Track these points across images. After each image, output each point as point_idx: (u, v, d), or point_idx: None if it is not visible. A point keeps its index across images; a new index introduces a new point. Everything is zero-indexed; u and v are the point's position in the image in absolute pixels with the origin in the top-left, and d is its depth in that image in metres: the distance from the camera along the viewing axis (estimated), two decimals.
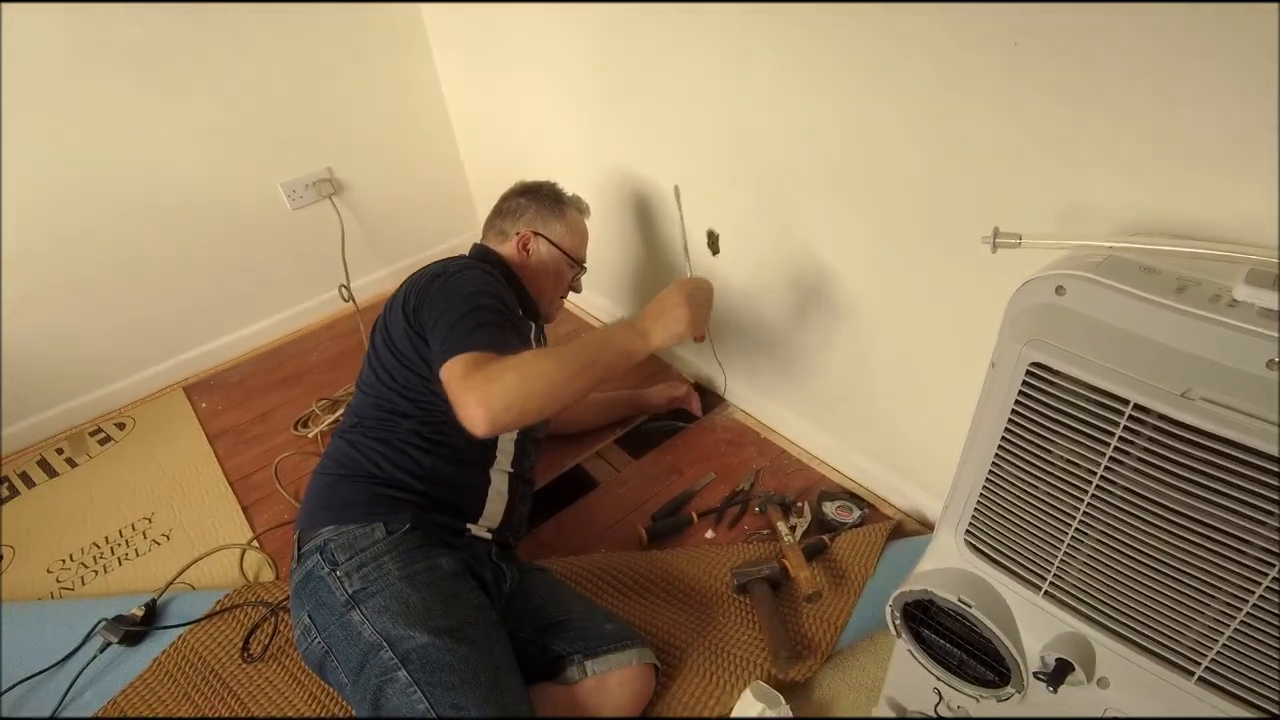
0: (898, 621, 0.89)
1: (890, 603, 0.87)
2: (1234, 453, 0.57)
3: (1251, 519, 0.59)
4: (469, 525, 1.17)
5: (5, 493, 1.70)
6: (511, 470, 1.24)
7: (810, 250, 1.33)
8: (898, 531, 1.39)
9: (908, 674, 0.96)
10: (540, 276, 1.36)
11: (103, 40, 1.59)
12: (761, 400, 1.68)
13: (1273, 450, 0.55)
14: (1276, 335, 0.57)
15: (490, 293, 1.12)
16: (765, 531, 1.41)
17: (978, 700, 0.86)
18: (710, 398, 1.78)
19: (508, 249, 1.34)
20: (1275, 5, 0.66)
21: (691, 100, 1.37)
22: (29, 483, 1.72)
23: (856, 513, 1.41)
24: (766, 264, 1.44)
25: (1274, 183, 0.72)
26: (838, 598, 1.26)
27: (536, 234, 1.35)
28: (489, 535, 1.19)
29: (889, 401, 1.36)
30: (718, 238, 1.51)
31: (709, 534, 1.44)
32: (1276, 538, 0.58)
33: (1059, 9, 0.81)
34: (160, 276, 1.88)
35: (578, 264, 1.42)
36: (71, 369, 1.84)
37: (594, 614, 1.16)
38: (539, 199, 1.38)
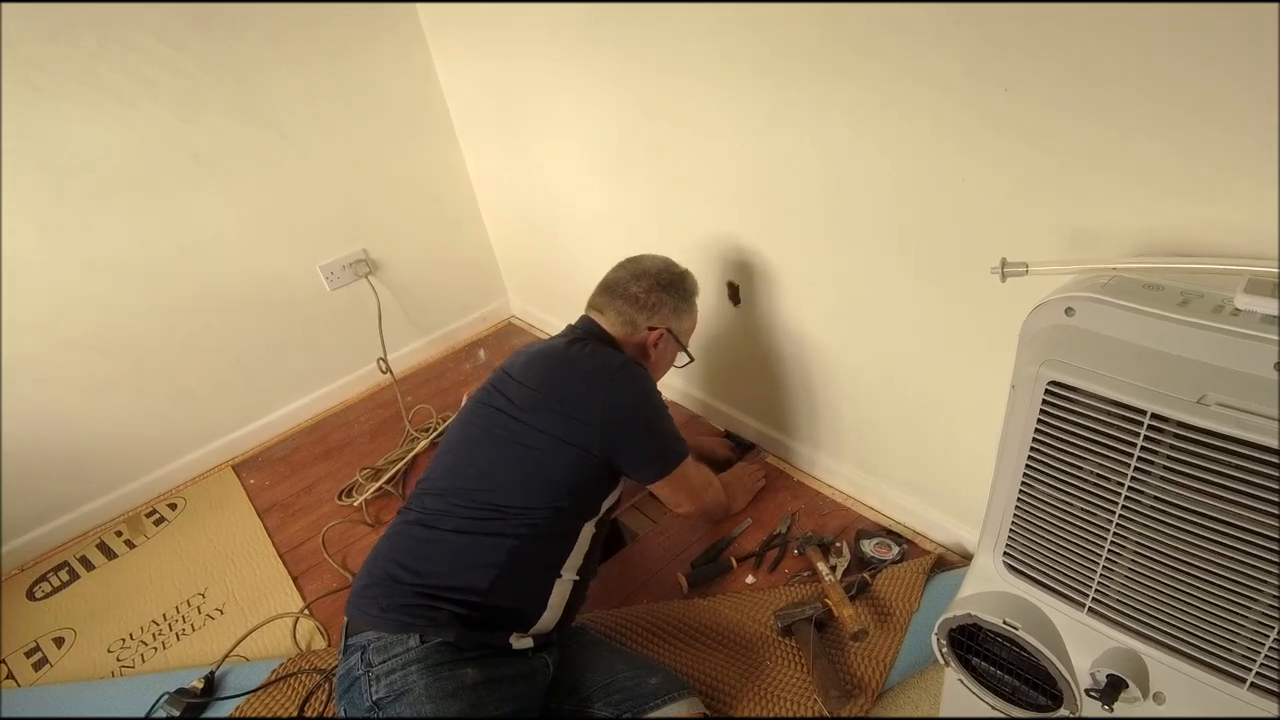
0: (945, 650, 0.89)
1: (935, 630, 0.88)
2: (1253, 453, 0.60)
3: (1277, 517, 0.60)
4: (512, 639, 1.11)
5: (66, 577, 1.76)
6: (578, 578, 1.21)
7: (830, 292, 1.37)
8: (940, 565, 1.38)
9: (961, 706, 0.95)
10: (656, 368, 1.37)
11: (160, 141, 1.72)
12: (792, 443, 1.70)
13: None
14: (1278, 340, 0.60)
15: (667, 412, 1.29)
16: (806, 573, 1.41)
17: None
18: (741, 445, 1.80)
19: (633, 339, 1.33)
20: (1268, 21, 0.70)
21: (700, 161, 1.45)
22: (89, 566, 1.79)
23: (896, 549, 1.41)
24: (787, 309, 1.49)
25: (1265, 198, 0.75)
26: (884, 635, 1.26)
27: (669, 331, 1.34)
28: (530, 644, 1.14)
29: (919, 436, 1.38)
30: (738, 288, 1.57)
31: (749, 579, 1.44)
32: None
33: (1052, 53, 0.87)
34: (207, 361, 1.97)
35: (689, 355, 1.42)
36: (127, 452, 1.92)
37: (637, 670, 1.15)
38: (676, 294, 1.35)
